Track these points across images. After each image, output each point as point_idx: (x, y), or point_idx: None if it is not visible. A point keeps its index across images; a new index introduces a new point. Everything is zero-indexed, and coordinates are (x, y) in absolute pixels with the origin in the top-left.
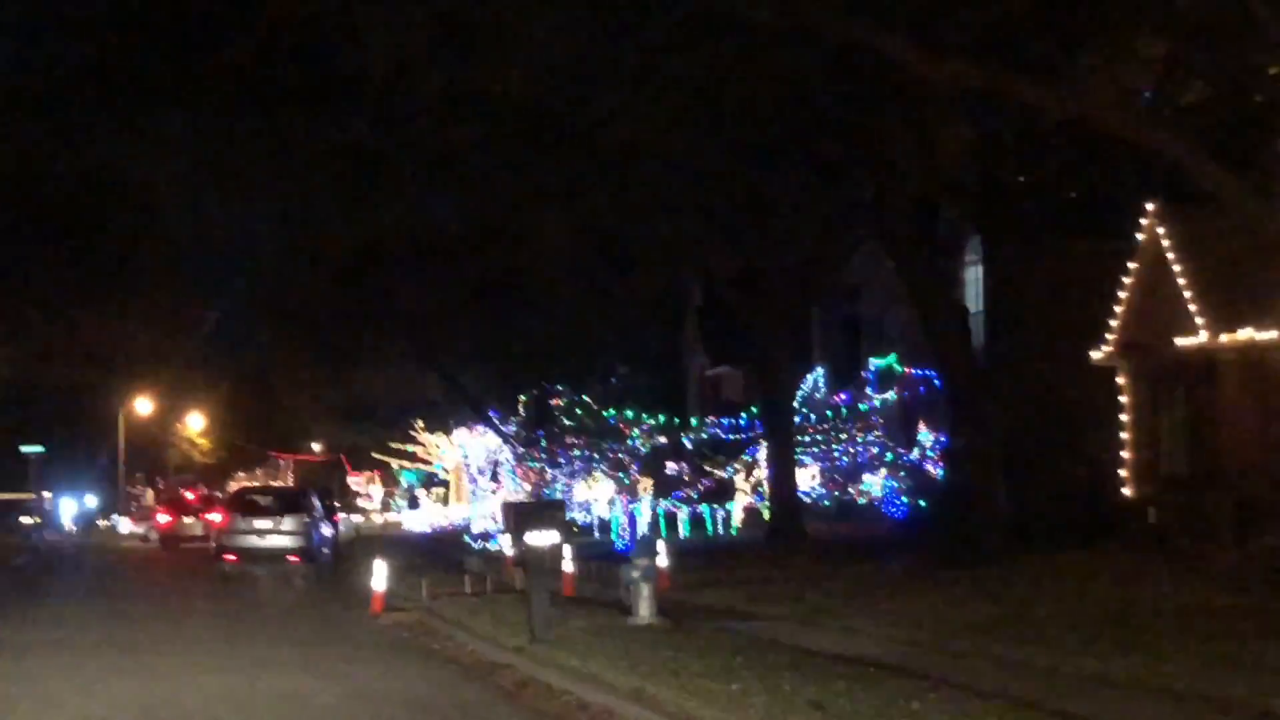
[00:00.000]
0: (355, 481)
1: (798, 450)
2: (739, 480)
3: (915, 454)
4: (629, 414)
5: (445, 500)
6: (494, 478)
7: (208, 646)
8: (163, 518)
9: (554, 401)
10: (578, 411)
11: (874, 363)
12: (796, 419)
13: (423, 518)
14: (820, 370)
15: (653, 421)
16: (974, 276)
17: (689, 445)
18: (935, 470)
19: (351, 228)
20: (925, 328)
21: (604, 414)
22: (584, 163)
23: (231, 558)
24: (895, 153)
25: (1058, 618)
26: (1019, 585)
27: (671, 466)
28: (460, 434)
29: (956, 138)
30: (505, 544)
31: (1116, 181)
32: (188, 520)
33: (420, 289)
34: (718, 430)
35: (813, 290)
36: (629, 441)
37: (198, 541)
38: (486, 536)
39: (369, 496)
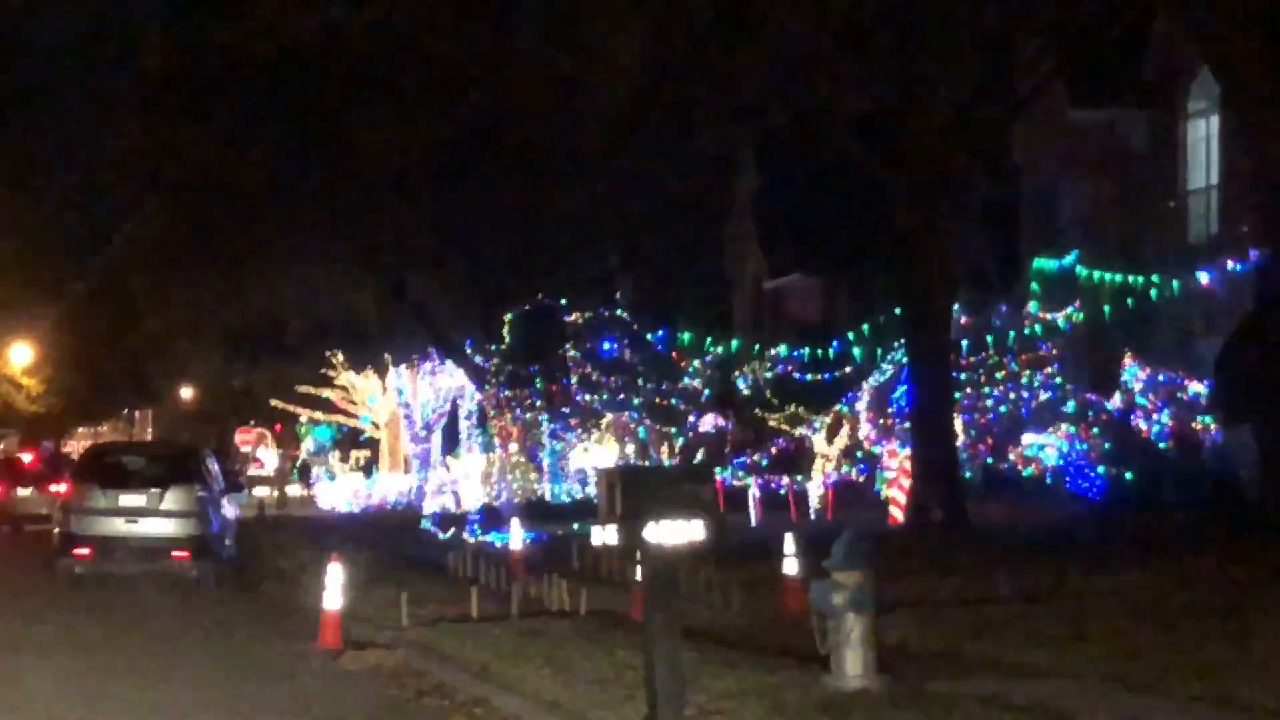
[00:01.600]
0: (243, 440)
1: None
2: (818, 443)
3: (1117, 401)
4: (684, 338)
5: (369, 467)
6: (451, 435)
7: (54, 714)
8: None
9: (573, 318)
10: (602, 335)
11: (1040, 266)
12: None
13: (344, 493)
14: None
15: (719, 350)
16: (1203, 132)
17: (744, 388)
18: (1149, 426)
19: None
20: None
21: (647, 337)
22: None
23: (83, 552)
24: None
25: None
26: None
27: (710, 421)
28: (397, 375)
29: None
30: (600, 537)
31: None
32: (23, 493)
33: (357, 151)
34: (787, 367)
35: (975, 153)
36: (684, 380)
37: (40, 523)
38: (458, 521)
39: (259, 462)
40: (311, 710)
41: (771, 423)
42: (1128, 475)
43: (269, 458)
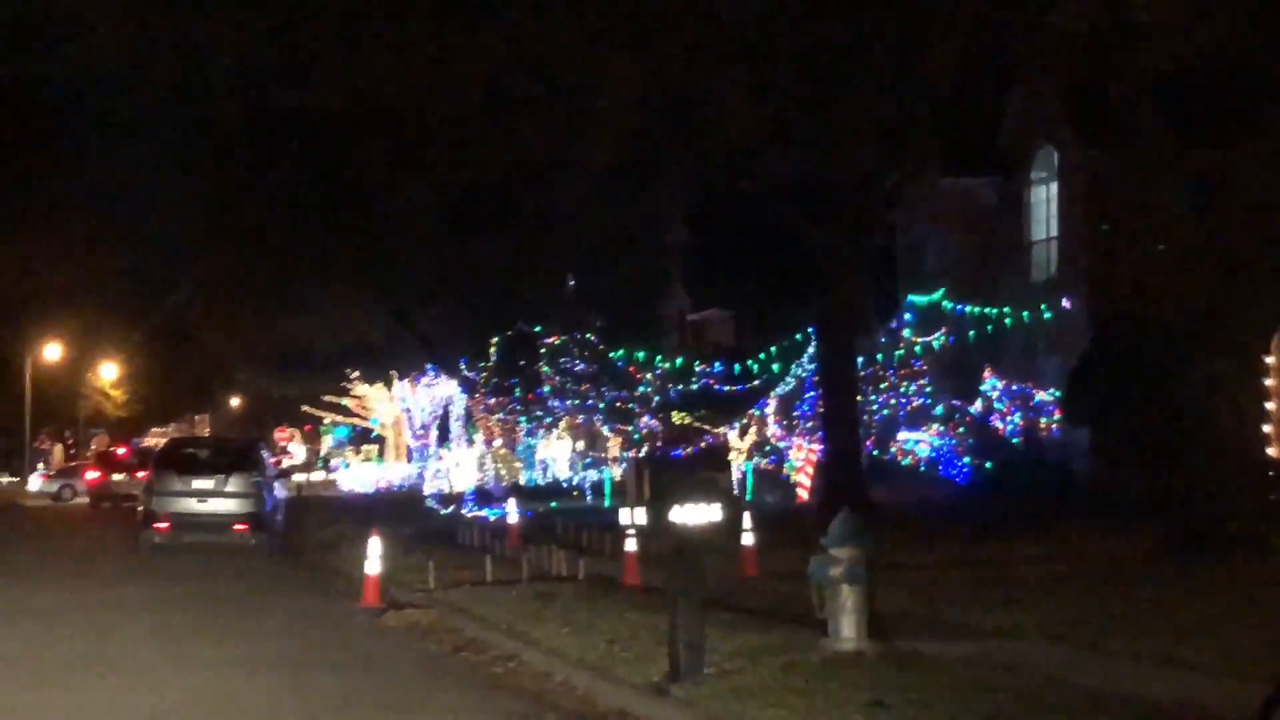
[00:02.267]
0: (281, 438)
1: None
2: (733, 439)
3: (978, 406)
4: (639, 355)
5: (378, 459)
6: (442, 433)
7: (142, 662)
8: (91, 474)
9: (551, 340)
10: (573, 352)
11: (913, 300)
12: (806, 367)
13: (359, 477)
14: None
15: (667, 365)
16: (1044, 196)
17: (674, 398)
18: (1003, 425)
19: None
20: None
21: (610, 355)
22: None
23: (163, 526)
24: None
25: None
26: None
27: (646, 422)
28: (401, 386)
29: None
30: (630, 518)
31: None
32: (118, 478)
33: (373, 212)
34: (709, 380)
35: (879, 208)
36: (639, 389)
37: (130, 502)
38: (454, 499)
39: (291, 455)
40: (369, 661)
41: (695, 424)
42: (988, 465)
43: (299, 451)
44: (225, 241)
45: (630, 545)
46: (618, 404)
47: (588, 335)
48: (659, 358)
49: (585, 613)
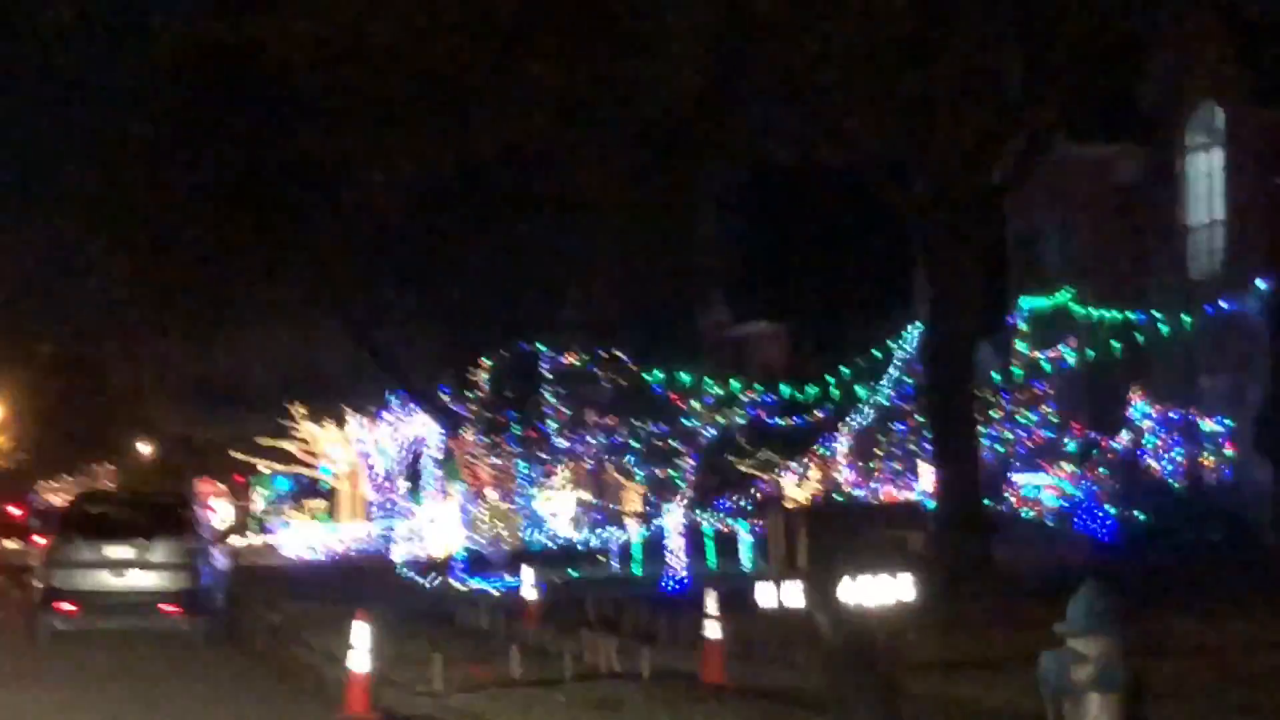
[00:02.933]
0: (204, 492)
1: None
2: (788, 487)
3: (1123, 439)
4: (684, 378)
5: (326, 517)
6: (414, 483)
7: None
8: None
9: (568, 359)
10: (596, 374)
11: (1030, 304)
12: (886, 393)
13: (305, 540)
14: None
15: (719, 392)
16: (1204, 168)
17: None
18: (1158, 464)
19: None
20: None
21: (644, 375)
22: None
23: (69, 608)
24: None
25: None
26: None
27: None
28: (359, 425)
29: None
30: (772, 596)
31: None
32: (9, 545)
33: (326, 205)
34: (756, 412)
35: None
36: (685, 421)
37: (24, 576)
38: (438, 568)
39: (213, 512)
40: None
41: (741, 468)
42: (1139, 515)
43: (223, 509)
44: (136, 248)
45: (713, 632)
46: (655, 441)
47: (615, 353)
48: (708, 380)
49: None
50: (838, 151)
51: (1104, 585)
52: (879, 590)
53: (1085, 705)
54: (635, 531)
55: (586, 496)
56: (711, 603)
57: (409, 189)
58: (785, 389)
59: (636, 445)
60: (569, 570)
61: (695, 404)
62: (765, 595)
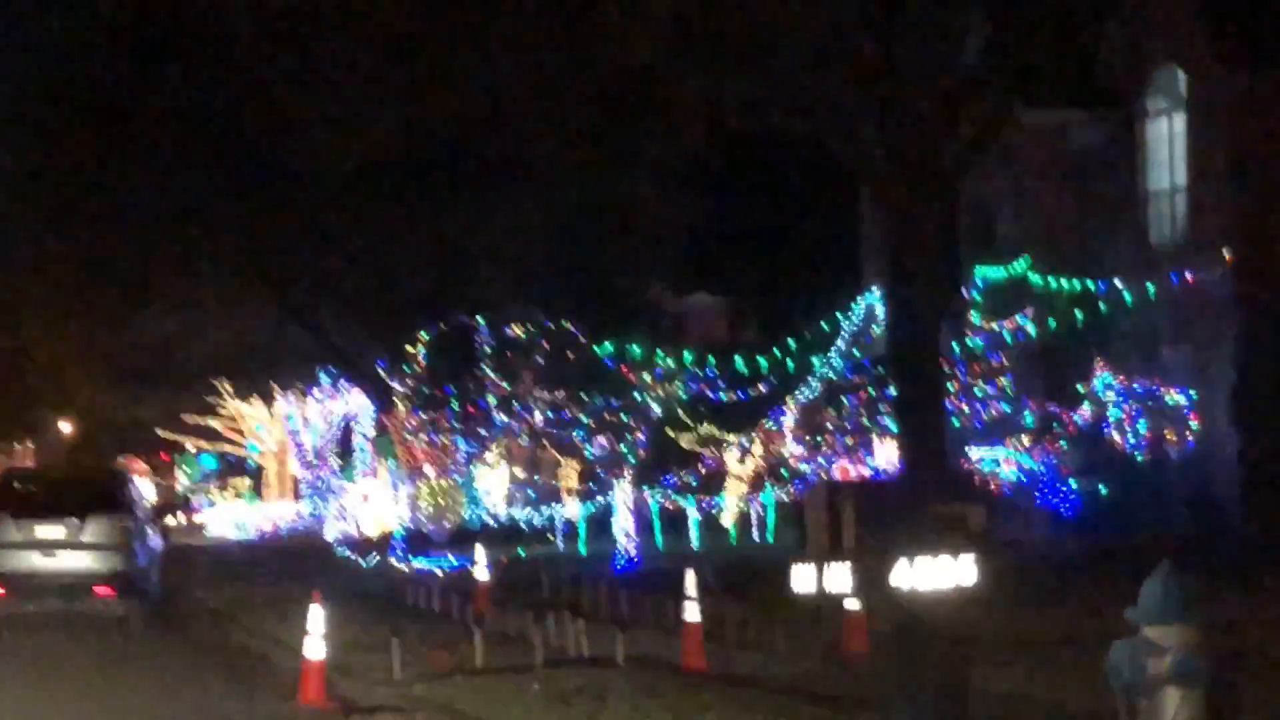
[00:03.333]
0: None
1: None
2: (730, 462)
3: (1085, 412)
4: (635, 351)
5: (251, 496)
6: (344, 459)
7: None
8: None
9: (514, 330)
10: (542, 347)
11: (984, 274)
12: (835, 367)
13: (231, 519)
14: (877, 292)
15: (669, 364)
16: (1165, 133)
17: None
18: (1122, 438)
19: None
20: None
21: (595, 348)
22: None
23: None
24: None
25: None
26: None
27: (604, 442)
28: (286, 402)
29: None
30: (810, 580)
31: None
32: None
33: (257, 172)
34: (698, 386)
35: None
36: (635, 395)
37: None
38: (379, 546)
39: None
40: None
41: (683, 443)
42: (1102, 490)
43: (146, 488)
44: (59, 222)
45: (693, 615)
46: (606, 415)
47: (565, 324)
48: (660, 353)
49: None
50: (794, 117)
51: (1179, 569)
52: (937, 573)
53: (1162, 700)
54: (573, 509)
55: (520, 473)
56: (691, 584)
57: (350, 154)
58: (739, 361)
59: (585, 420)
60: (517, 550)
61: (647, 377)
62: (803, 579)
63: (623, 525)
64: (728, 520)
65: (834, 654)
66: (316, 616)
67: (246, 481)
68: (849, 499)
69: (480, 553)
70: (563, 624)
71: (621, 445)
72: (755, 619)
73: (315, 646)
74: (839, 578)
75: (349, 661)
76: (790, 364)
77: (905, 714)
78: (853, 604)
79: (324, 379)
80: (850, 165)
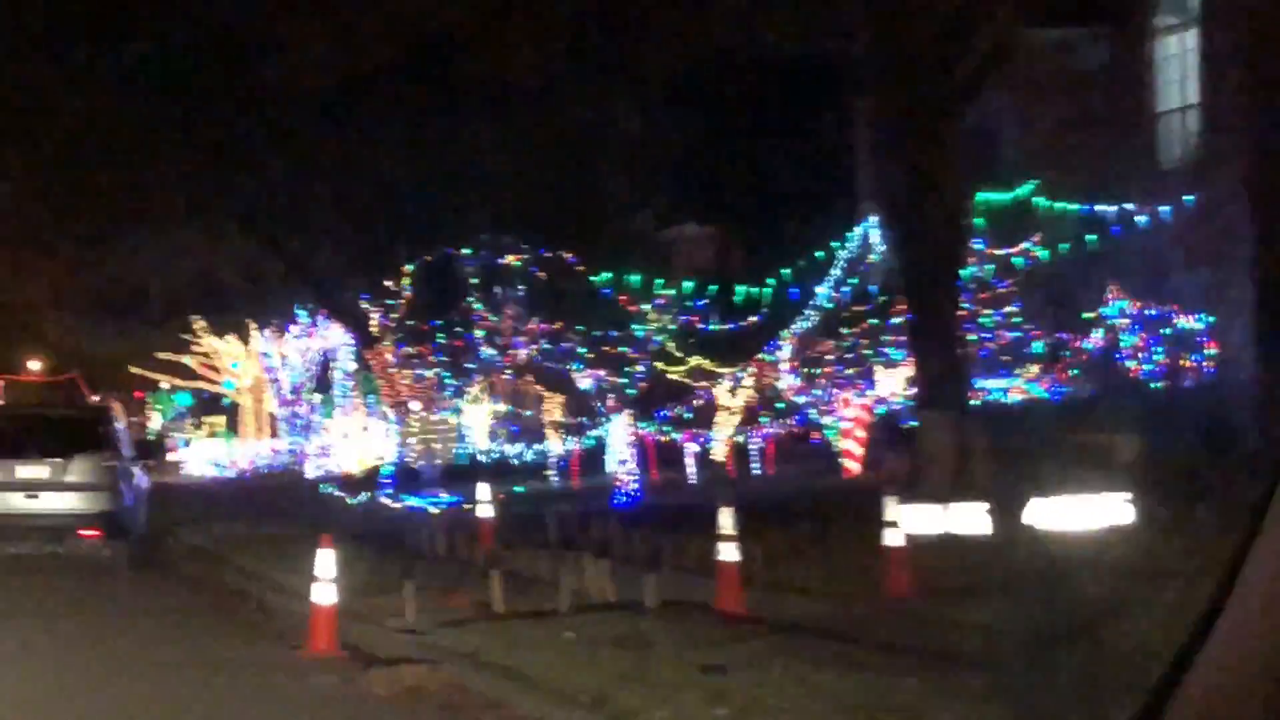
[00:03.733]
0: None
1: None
2: (721, 396)
3: (1097, 339)
4: (634, 280)
5: (228, 434)
6: (321, 393)
7: None
8: None
9: (506, 260)
10: (536, 276)
11: (987, 199)
12: (826, 293)
13: (207, 458)
14: (873, 219)
15: (670, 293)
16: (1174, 49)
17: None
18: (1136, 365)
19: None
20: None
21: (591, 279)
22: None
23: None
24: None
25: None
26: None
27: (589, 376)
28: (264, 339)
29: None
30: (932, 520)
31: None
32: None
33: (230, 95)
34: (689, 318)
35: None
36: (633, 328)
37: None
38: (367, 484)
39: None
40: None
41: (672, 376)
42: None
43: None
44: (28, 153)
45: (729, 554)
46: (605, 348)
47: (561, 254)
48: (660, 282)
49: (743, 675)
50: (791, 38)
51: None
52: (1084, 512)
53: None
54: (556, 444)
55: (502, 408)
56: (727, 520)
57: (329, 72)
58: (740, 292)
59: (583, 351)
60: (513, 487)
61: (646, 307)
62: (923, 519)
63: (621, 459)
64: (718, 454)
65: (881, 597)
66: (327, 561)
67: (221, 419)
68: (979, 435)
69: (483, 490)
70: (581, 565)
71: (621, 378)
72: (785, 558)
73: (326, 593)
74: (971, 519)
75: (356, 607)
76: (788, 293)
77: (1036, 677)
78: (894, 539)
79: (302, 314)
80: (857, 87)
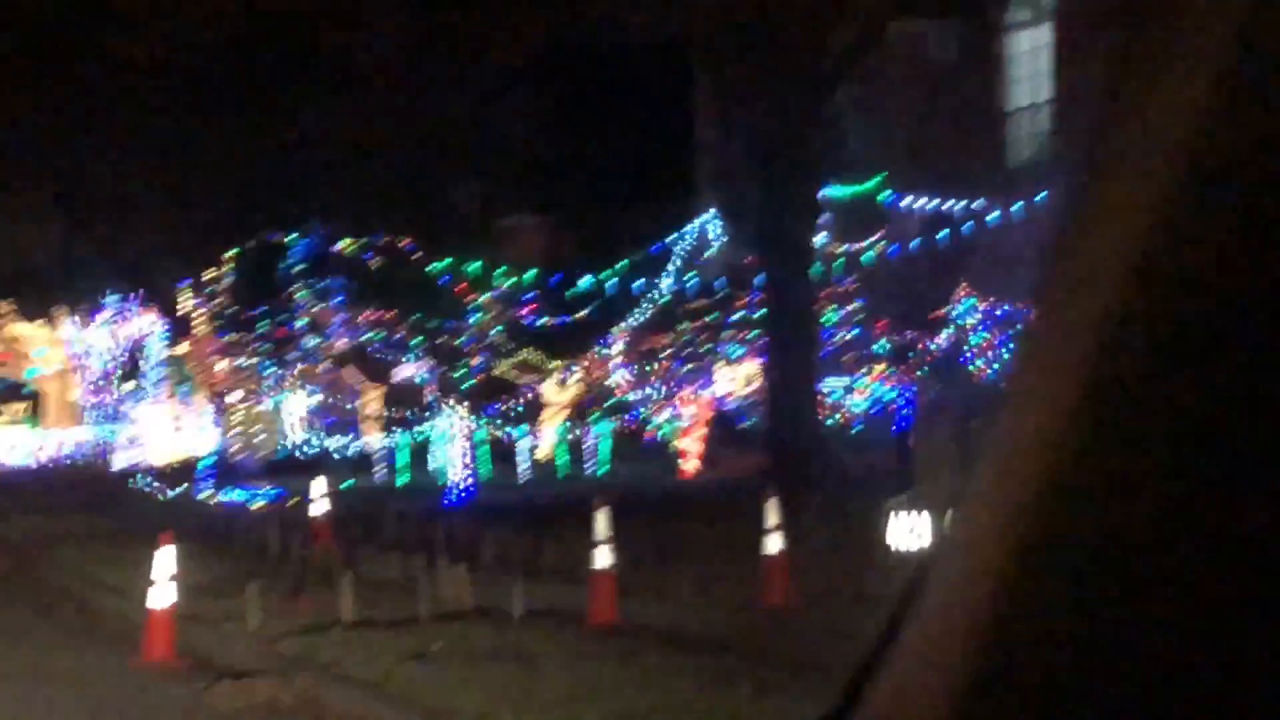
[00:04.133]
0: None
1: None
2: (548, 391)
3: (943, 338)
4: (474, 268)
5: (30, 421)
6: (132, 383)
7: None
8: None
9: (341, 247)
10: (369, 263)
11: (833, 194)
12: (667, 287)
13: (7, 446)
14: (713, 212)
15: (512, 281)
16: (1028, 46)
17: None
18: (984, 365)
19: None
20: None
21: (428, 269)
22: None
23: None
24: None
25: None
26: None
27: (408, 369)
28: (73, 324)
29: None
30: (913, 532)
31: None
32: None
33: (49, 75)
34: (521, 311)
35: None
36: (467, 316)
37: None
38: (185, 476)
39: None
40: None
41: (497, 372)
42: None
43: None
44: None
45: (604, 561)
46: (442, 338)
47: (396, 241)
48: (502, 270)
49: (638, 696)
50: (652, 27)
51: None
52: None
53: None
54: (375, 437)
55: (317, 399)
56: (603, 522)
57: (163, 47)
58: (582, 283)
59: (417, 342)
60: (346, 481)
61: (485, 297)
62: (910, 532)
63: (455, 455)
64: (543, 452)
65: (757, 608)
66: (167, 560)
67: (22, 406)
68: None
69: (319, 484)
70: (436, 569)
71: (454, 371)
72: (645, 564)
73: (163, 595)
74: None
75: (193, 609)
76: (629, 287)
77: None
78: (775, 547)
79: (112, 300)
80: (717, 79)
